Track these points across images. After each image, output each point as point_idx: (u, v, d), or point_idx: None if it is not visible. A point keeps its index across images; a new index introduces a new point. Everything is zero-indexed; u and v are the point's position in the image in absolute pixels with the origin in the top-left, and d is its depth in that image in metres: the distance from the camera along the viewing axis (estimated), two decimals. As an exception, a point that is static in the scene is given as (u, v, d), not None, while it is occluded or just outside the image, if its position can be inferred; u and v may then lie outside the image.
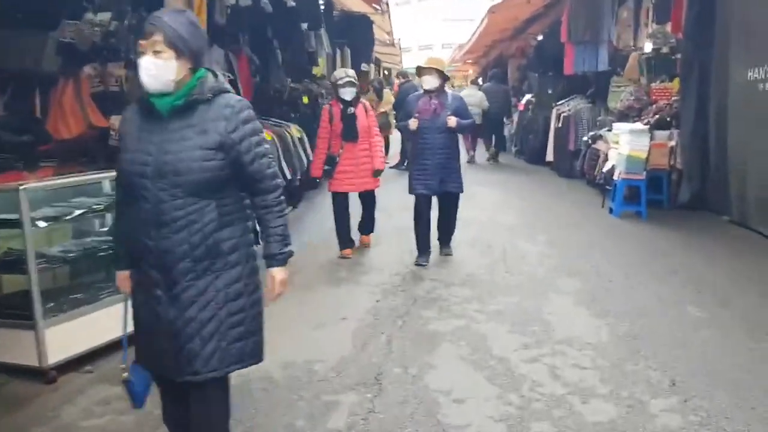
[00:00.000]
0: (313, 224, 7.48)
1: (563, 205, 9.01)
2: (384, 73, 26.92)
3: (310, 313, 4.66)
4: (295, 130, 8.21)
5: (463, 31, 25.18)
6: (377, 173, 6.30)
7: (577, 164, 11.15)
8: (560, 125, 11.92)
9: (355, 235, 6.50)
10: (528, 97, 15.04)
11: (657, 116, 8.93)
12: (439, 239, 6.31)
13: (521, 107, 15.25)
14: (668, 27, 9.27)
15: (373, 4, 11.71)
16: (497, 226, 7.55)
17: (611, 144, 8.98)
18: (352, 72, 6.32)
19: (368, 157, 6.20)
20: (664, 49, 10.00)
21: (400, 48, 21.98)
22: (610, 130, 9.65)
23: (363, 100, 6.45)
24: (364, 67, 13.92)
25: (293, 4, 6.87)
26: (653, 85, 9.82)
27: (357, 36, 13.19)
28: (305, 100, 9.02)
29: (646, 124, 8.68)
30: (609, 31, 11.09)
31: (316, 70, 11.34)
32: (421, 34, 42.99)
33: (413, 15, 41.13)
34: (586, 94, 12.24)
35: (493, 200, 9.33)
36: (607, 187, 8.64)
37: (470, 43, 18.58)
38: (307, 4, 7.61)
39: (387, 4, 12.77)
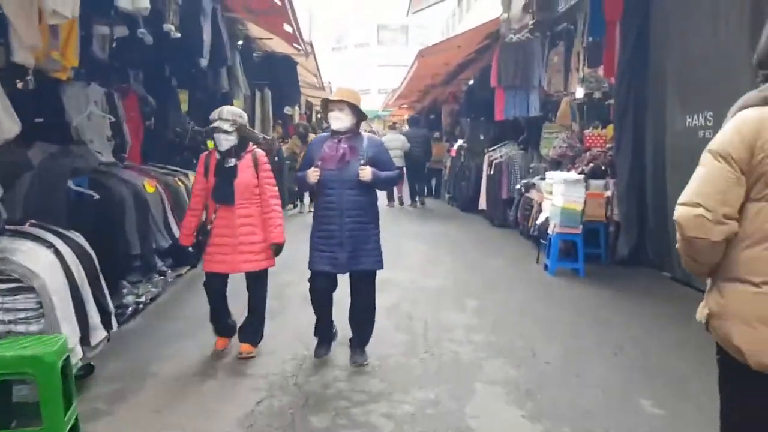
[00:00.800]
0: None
1: (496, 261, 8.14)
2: (318, 117, 26.13)
3: (161, 427, 3.50)
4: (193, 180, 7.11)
5: (398, 76, 24.74)
6: (277, 249, 4.59)
7: (510, 213, 10.42)
8: (492, 172, 11.20)
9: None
10: (460, 142, 14.38)
11: (591, 164, 8.25)
12: (350, 340, 4.63)
13: (453, 153, 14.56)
14: (600, 71, 8.68)
15: (294, 45, 10.82)
16: (422, 290, 6.54)
17: (545, 194, 8.23)
18: (230, 112, 4.56)
19: (252, 226, 4.51)
20: (597, 94, 9.41)
21: (331, 91, 21.15)
22: (543, 179, 8.95)
23: (255, 149, 4.68)
24: (287, 110, 12.99)
25: (178, 35, 5.83)
26: (586, 131, 9.17)
27: (280, 77, 12.26)
28: (210, 145, 7.91)
29: (580, 173, 7.97)
30: (539, 76, 10.52)
31: (231, 113, 10.30)
32: (357, 79, 42.72)
33: (350, 60, 40.85)
34: (518, 140, 11.59)
35: (420, 257, 8.37)
36: (542, 240, 7.83)
37: (402, 87, 17.92)
38: (202, 38, 6.60)
39: (311, 46, 11.92)
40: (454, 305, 5.94)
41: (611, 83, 8.56)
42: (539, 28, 10.72)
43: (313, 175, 4.42)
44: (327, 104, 4.62)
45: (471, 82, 14.96)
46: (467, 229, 10.92)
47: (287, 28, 9.71)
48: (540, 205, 8.62)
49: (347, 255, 4.39)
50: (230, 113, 4.58)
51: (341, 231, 4.38)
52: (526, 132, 11.41)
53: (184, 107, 8.69)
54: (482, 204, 11.82)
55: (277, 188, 4.75)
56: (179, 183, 6.77)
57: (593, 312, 5.72)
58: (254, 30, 11.91)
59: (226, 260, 4.52)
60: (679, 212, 2.04)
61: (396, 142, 13.87)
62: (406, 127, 18.28)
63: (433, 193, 16.78)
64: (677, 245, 2.15)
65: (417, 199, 14.47)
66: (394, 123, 17.43)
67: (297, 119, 13.99)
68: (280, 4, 8.48)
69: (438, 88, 20.16)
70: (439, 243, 9.34)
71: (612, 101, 8.56)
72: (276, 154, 11.78)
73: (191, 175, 7.17)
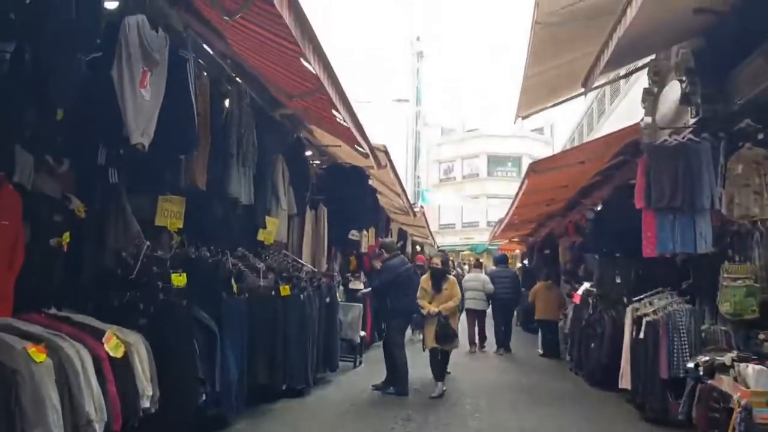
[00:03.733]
0: None
1: None
2: (416, 249, 23.08)
3: None
4: (114, 344, 3.90)
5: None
6: None
7: (679, 406, 6.40)
8: (642, 335, 7.30)
9: None
10: (586, 286, 10.56)
11: None
12: None
13: (577, 299, 10.73)
14: None
15: (356, 147, 7.88)
16: None
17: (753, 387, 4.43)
18: None
19: None
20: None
21: (424, 216, 18.12)
22: (740, 359, 5.21)
23: None
24: (353, 234, 9.88)
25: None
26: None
27: (344, 193, 9.31)
28: (176, 281, 4.80)
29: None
30: (711, 194, 6.84)
31: (262, 235, 7.32)
32: (465, 213, 40.00)
33: (455, 192, 38.34)
34: (678, 287, 7.70)
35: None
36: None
37: (510, 213, 14.55)
38: (125, 93, 3.67)
39: (386, 154, 8.96)
40: None
41: None
42: (706, 126, 7.23)
43: None
44: None
45: (599, 207, 11.39)
46: (600, 425, 6.91)
47: (338, 117, 6.80)
48: (744, 405, 4.74)
49: None
50: None
51: None
52: (693, 276, 7.55)
53: (174, 223, 5.77)
54: (625, 380, 7.81)
55: None
56: (75, 354, 3.56)
57: None
58: (318, 135, 9.25)
59: None
60: None
61: (475, 283, 12.44)
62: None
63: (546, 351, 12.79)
64: None
65: (502, 347, 12.74)
66: (478, 260, 15.70)
67: (365, 247, 10.84)
68: (312, 84, 5.66)
69: (555, 218, 16.68)
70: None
71: None
72: (328, 293, 8.54)
73: (111, 335, 3.99)
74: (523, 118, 10.42)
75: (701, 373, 5.79)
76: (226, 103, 6.40)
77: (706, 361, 5.74)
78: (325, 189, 9.33)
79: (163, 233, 5.65)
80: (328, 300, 8.51)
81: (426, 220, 18.73)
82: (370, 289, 9.09)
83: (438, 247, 25.42)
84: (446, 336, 8.17)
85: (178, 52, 4.40)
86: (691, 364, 6.10)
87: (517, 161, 39.36)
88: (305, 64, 5.39)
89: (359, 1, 27.32)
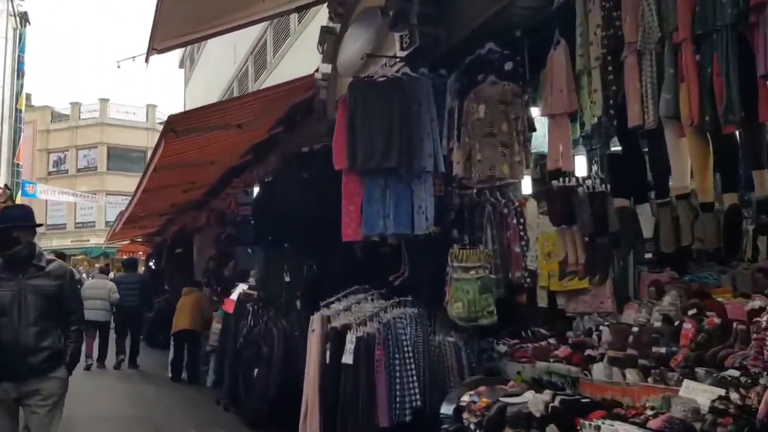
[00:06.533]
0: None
1: None
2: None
3: None
4: None
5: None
6: None
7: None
8: (349, 359, 4.56)
9: None
10: (243, 287, 7.59)
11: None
12: None
13: (230, 306, 7.67)
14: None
15: None
16: None
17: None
18: None
19: None
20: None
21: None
22: (568, 403, 2.87)
23: None
24: None
25: None
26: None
27: None
28: None
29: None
30: (434, 150, 4.60)
31: None
32: (79, 212, 33.73)
33: (68, 187, 31.85)
34: (390, 282, 5.22)
35: None
36: None
37: (136, 197, 10.72)
38: None
39: None
40: None
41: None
42: (424, 58, 5.06)
43: None
44: None
45: (257, 188, 8.58)
46: None
47: None
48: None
49: None
50: None
51: None
52: (407, 266, 5.20)
53: None
54: (310, 425, 5.01)
55: None
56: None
57: None
58: None
59: None
60: None
61: (100, 291, 10.87)
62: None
63: (186, 374, 9.44)
64: None
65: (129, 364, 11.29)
66: (107, 264, 15.26)
67: None
68: None
69: (189, 212, 13.43)
70: None
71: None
72: None
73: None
74: (160, 51, 6.92)
75: (471, 425, 3.31)
76: None
77: (486, 407, 3.25)
78: None
79: None
80: None
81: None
82: None
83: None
84: None
85: None
86: (448, 408, 3.60)
87: (142, 156, 34.62)
88: None
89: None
